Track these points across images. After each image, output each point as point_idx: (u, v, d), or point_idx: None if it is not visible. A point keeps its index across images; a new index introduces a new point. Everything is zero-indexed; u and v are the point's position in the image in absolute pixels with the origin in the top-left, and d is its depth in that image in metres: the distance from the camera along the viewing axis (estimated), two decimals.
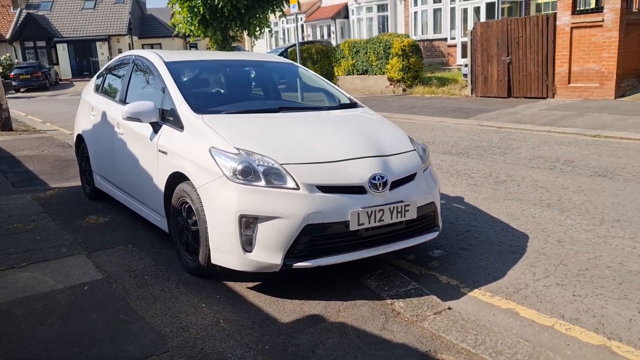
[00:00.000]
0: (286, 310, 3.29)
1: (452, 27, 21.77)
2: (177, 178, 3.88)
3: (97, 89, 5.83)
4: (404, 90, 17.51)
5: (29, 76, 31.72)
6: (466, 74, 16.89)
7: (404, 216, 3.59)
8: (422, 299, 3.41)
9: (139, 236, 4.75)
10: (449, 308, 3.31)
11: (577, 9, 12.50)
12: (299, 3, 20.44)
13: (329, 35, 28.99)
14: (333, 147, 3.65)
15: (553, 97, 13.19)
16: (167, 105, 4.18)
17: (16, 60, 36.39)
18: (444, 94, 16.18)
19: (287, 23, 31.69)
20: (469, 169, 6.88)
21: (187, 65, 4.71)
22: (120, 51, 39.79)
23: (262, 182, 3.35)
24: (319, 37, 29.49)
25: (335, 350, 2.83)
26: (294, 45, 25.43)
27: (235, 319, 3.18)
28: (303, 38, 30.41)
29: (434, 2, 22.52)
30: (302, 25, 30.72)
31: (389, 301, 3.39)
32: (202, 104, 4.11)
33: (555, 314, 3.22)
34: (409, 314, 3.25)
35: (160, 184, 4.07)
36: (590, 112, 10.92)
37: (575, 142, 8.44)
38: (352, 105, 4.69)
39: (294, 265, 3.33)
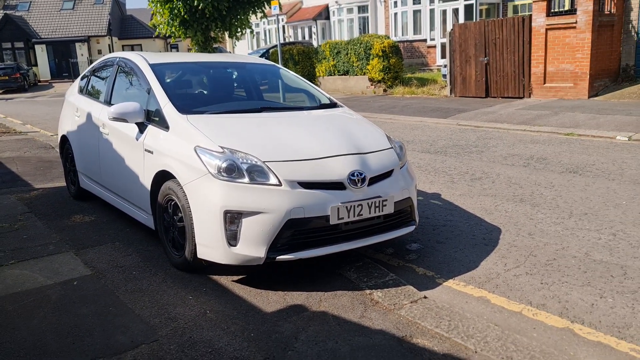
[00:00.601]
0: (270, 300, 3.45)
1: (432, 28, 22.09)
2: (163, 176, 4.01)
3: (82, 90, 5.92)
4: (384, 90, 17.75)
5: (7, 77, 31.38)
6: (445, 75, 17.20)
7: (382, 211, 3.77)
8: (400, 289, 3.58)
9: (125, 234, 4.86)
10: (425, 297, 3.49)
11: (552, 10, 12.83)
12: (280, 4, 20.61)
13: (310, 36, 29.17)
14: (314, 145, 3.82)
15: (529, 96, 13.53)
16: (153, 106, 4.30)
17: None
18: (424, 94, 16.45)
19: (268, 24, 31.80)
20: (447, 167, 7.10)
21: (171, 67, 4.84)
22: (100, 52, 39.55)
23: (246, 179, 3.50)
24: (300, 38, 29.66)
25: (317, 337, 2.99)
26: (275, 46, 25.57)
27: (221, 310, 3.32)
28: (284, 39, 30.56)
29: (414, 3, 22.82)
30: (284, 26, 30.86)
31: (367, 291, 3.57)
32: (187, 104, 4.25)
33: (524, 300, 3.42)
34: (387, 302, 3.43)
35: (147, 182, 4.19)
36: (565, 111, 11.25)
37: (549, 141, 8.72)
38: (332, 105, 4.86)
39: (277, 258, 3.48)
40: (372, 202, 3.70)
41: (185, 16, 20.01)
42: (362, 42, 17.95)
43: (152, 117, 4.27)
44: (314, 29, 28.81)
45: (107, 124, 4.88)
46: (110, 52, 39.92)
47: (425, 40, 22.45)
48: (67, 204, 6.02)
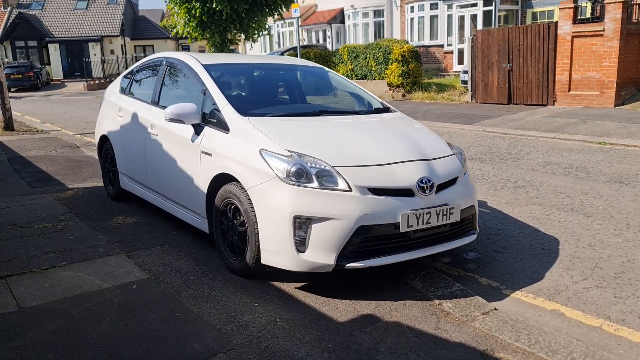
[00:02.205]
0: (339, 309, 3.36)
1: (449, 33, 22.02)
2: (221, 179, 3.93)
3: (124, 90, 5.86)
4: (403, 95, 17.68)
5: (20, 76, 31.47)
6: (465, 81, 17.12)
7: (449, 219, 3.69)
8: (468, 299, 3.49)
9: (173, 236, 4.79)
10: (495, 309, 3.40)
11: (578, 18, 12.74)
12: (289, 7, 20.60)
13: (325, 40, 29.15)
14: (380, 151, 3.74)
15: (553, 104, 13.42)
16: (209, 107, 4.23)
17: (6, 60, 36.05)
18: (444, 100, 16.36)
19: (282, 27, 31.78)
20: (485, 174, 7.00)
21: (223, 68, 4.77)
22: (112, 52, 39.63)
23: (315, 184, 3.42)
24: (314, 42, 29.62)
25: (397, 349, 2.91)
26: (290, 49, 25.57)
27: (291, 318, 3.24)
28: (299, 42, 30.52)
29: (431, 8, 22.77)
30: (298, 30, 30.82)
31: (437, 302, 3.48)
32: (245, 106, 4.17)
33: (601, 315, 3.32)
34: (459, 314, 3.34)
35: (203, 185, 4.12)
36: (592, 119, 11.14)
37: (583, 149, 8.62)
38: (386, 109, 4.78)
39: (346, 265, 3.40)
40: (439, 210, 3.62)
41: (203, 17, 20.00)
42: (381, 46, 17.89)
43: (208, 119, 4.20)
44: (328, 33, 28.78)
45: (156, 125, 4.82)
46: (122, 52, 40.03)
47: (442, 46, 22.37)
48: (106, 204, 5.95)
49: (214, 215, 4.06)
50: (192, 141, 4.24)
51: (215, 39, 21.38)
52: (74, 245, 4.59)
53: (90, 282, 3.82)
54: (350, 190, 3.41)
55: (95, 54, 38.70)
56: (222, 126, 4.02)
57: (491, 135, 10.42)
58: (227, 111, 4.04)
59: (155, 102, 5.04)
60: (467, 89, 16.73)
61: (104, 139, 6.11)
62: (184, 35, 22.08)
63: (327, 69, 5.44)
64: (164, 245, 4.58)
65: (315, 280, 3.77)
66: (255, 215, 3.59)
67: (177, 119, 4.17)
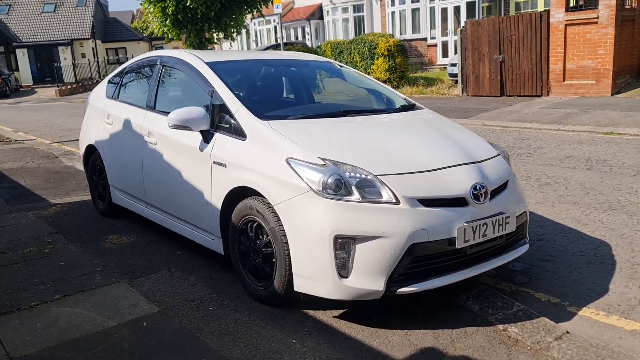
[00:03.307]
0: (392, 343, 2.87)
1: (432, 26, 21.67)
2: (239, 193, 3.41)
3: (112, 94, 5.27)
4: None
5: None
6: (453, 74, 16.77)
7: (505, 229, 3.23)
8: (534, 322, 3.04)
9: (178, 258, 4.24)
10: (567, 332, 2.95)
11: (571, 5, 12.44)
12: (271, 2, 20.03)
13: (304, 37, 28.60)
14: (424, 154, 3.26)
15: (548, 95, 13.12)
16: (218, 111, 3.70)
17: None
18: (434, 94, 15.98)
19: (259, 25, 31.13)
20: None
21: (230, 66, 4.22)
22: (84, 56, 38.45)
23: (356, 197, 2.92)
24: (293, 39, 29.04)
25: None
26: (270, 47, 24.98)
27: (340, 357, 2.73)
28: (276, 40, 29.92)
29: (412, 1, 22.38)
30: (275, 27, 30.23)
31: (500, 326, 3.01)
32: (261, 108, 3.65)
33: None
34: (529, 341, 2.88)
35: (216, 199, 3.58)
36: (592, 109, 10.84)
37: (593, 141, 8.27)
38: (411, 106, 4.30)
39: (397, 290, 2.91)
40: (495, 220, 3.15)
41: (179, 16, 19.30)
42: (366, 41, 17.43)
43: (218, 124, 3.66)
44: (307, 30, 28.24)
45: (154, 132, 4.26)
46: (94, 55, 38.89)
47: (425, 39, 22.02)
48: (96, 221, 5.36)
49: (230, 234, 3.54)
50: (201, 150, 3.69)
51: (192, 38, 20.69)
52: (66, 273, 4.02)
53: (92, 319, 3.26)
54: (397, 202, 2.92)
55: (65, 58, 37.51)
56: (237, 132, 3.49)
57: (492, 129, 10.03)
58: (242, 115, 3.51)
59: (151, 107, 4.48)
60: (455, 82, 16.38)
61: (91, 149, 5.52)
62: (159, 35, 21.35)
63: (338, 63, 4.94)
64: (170, 268, 4.03)
65: (354, 307, 3.27)
66: (285, 235, 3.07)
67: (183, 126, 3.62)
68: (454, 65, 17.15)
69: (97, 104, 5.49)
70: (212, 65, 4.02)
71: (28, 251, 4.52)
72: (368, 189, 2.95)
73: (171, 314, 3.28)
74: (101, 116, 5.26)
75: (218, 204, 3.57)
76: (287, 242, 3.07)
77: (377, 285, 2.87)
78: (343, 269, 2.90)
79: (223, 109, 3.66)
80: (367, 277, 2.88)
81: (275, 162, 3.17)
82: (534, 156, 7.33)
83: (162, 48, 47.11)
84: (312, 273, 2.98)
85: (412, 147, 3.33)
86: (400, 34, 22.92)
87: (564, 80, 12.79)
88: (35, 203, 6.21)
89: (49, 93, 31.92)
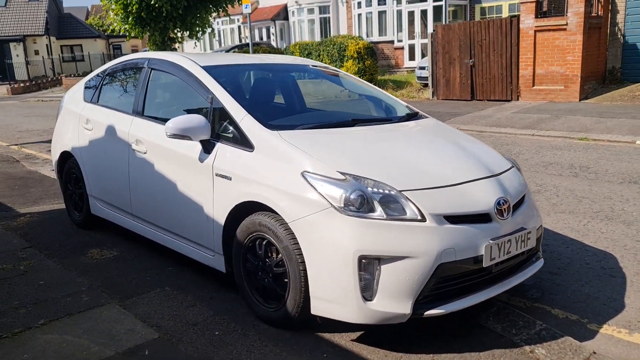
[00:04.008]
0: None
1: (399, 29, 21.73)
2: (245, 208, 3.18)
3: (91, 97, 4.92)
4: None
5: None
6: (421, 77, 16.83)
7: (526, 245, 3.12)
8: (559, 342, 2.93)
9: (170, 275, 3.97)
10: (594, 352, 2.85)
11: (540, 11, 12.64)
12: (240, 2, 19.66)
13: (269, 37, 28.28)
14: (444, 167, 3.11)
15: (517, 99, 13.30)
16: (220, 119, 3.45)
17: None
18: (404, 97, 15.97)
19: (222, 25, 30.62)
20: None
21: (228, 71, 3.97)
22: (37, 53, 36.97)
23: (380, 214, 2.75)
24: (257, 39, 28.67)
25: None
26: (235, 47, 24.58)
27: None
28: (240, 40, 29.52)
29: (379, 4, 22.38)
30: (239, 27, 29.81)
31: (527, 348, 2.89)
32: (267, 116, 3.42)
33: None
34: None
35: (219, 214, 3.34)
36: (564, 114, 11.01)
37: (570, 147, 8.36)
38: (415, 114, 4.15)
39: (425, 313, 2.75)
40: (518, 237, 3.04)
41: (142, 14, 18.71)
42: (335, 43, 17.32)
43: (220, 133, 3.42)
44: (272, 30, 27.93)
45: (143, 140, 3.97)
46: (48, 52, 37.46)
47: (392, 42, 22.06)
48: (72, 233, 5.01)
49: (234, 251, 3.30)
50: (201, 161, 3.44)
51: (156, 37, 20.11)
52: (48, 293, 3.69)
53: (85, 348, 2.97)
54: (423, 219, 2.75)
55: (18, 55, 35.97)
56: (242, 142, 3.26)
57: (468, 134, 10.02)
58: (248, 124, 3.28)
59: (139, 113, 4.18)
60: (424, 86, 16.45)
61: (66, 156, 5.15)
62: (121, 33, 20.66)
63: (335, 68, 4.75)
64: (164, 287, 3.76)
65: (372, 328, 3.08)
66: (300, 255, 2.87)
67: (182, 135, 3.36)
68: (422, 68, 17.22)
69: (73, 107, 5.13)
70: (209, 69, 3.77)
71: (1, 268, 4.16)
72: (392, 205, 2.78)
73: (174, 340, 3.02)
74: (79, 121, 4.91)
75: (221, 219, 3.33)
76: (303, 262, 2.86)
77: (404, 308, 2.70)
78: (367, 291, 2.72)
79: (225, 117, 3.42)
80: (393, 299, 2.70)
81: (289, 176, 2.96)
82: (517, 163, 7.32)
83: (120, 46, 46.00)
84: (332, 295, 2.78)
85: (431, 160, 3.18)
86: (367, 36, 22.89)
87: (533, 86, 12.97)
88: (1, 213, 5.78)
89: (1, 91, 30.53)
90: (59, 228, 5.19)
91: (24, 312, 3.42)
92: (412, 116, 4.06)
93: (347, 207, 2.74)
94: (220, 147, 3.37)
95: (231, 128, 3.36)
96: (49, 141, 11.39)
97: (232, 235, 3.30)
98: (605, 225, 4.71)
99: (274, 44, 26.90)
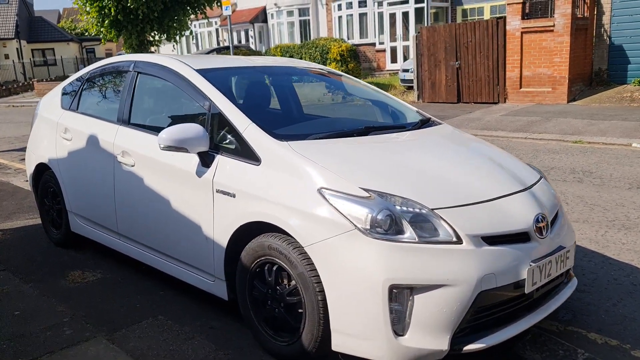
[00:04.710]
0: None
1: (381, 32, 21.50)
2: (252, 229, 2.82)
3: (69, 105, 4.50)
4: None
5: None
6: (405, 79, 16.59)
7: (565, 265, 2.83)
8: None
9: (162, 301, 3.58)
10: None
11: (526, 13, 12.50)
12: (220, 4, 19.24)
13: (247, 40, 27.82)
14: (475, 181, 2.80)
15: (504, 102, 13.14)
16: (220, 129, 3.09)
17: None
18: None
19: (200, 27, 30.08)
20: None
21: (225, 75, 3.59)
22: (7, 57, 35.90)
23: (411, 236, 2.41)
24: (236, 42, 28.18)
25: None
26: (214, 50, 24.11)
27: None
28: (218, 43, 29.02)
29: (359, 6, 22.13)
30: (217, 30, 29.32)
31: None
32: (272, 125, 3.06)
33: None
34: None
35: (220, 235, 2.97)
36: (554, 117, 10.86)
37: (566, 150, 8.16)
38: (427, 120, 3.83)
39: (464, 348, 2.42)
40: (558, 256, 2.74)
41: (119, 17, 18.16)
42: (317, 45, 17.03)
43: (220, 144, 3.05)
44: (251, 33, 27.47)
45: (130, 152, 3.58)
46: (19, 56, 36.41)
47: (373, 45, 21.81)
48: (50, 254, 4.57)
49: (239, 277, 2.94)
50: (199, 175, 3.07)
51: (133, 40, 19.57)
52: (25, 326, 3.27)
53: None
54: (459, 241, 2.43)
55: None
56: (246, 154, 2.90)
57: None
58: (253, 134, 2.91)
59: (125, 121, 3.78)
60: (408, 88, 16.22)
61: (42, 168, 4.71)
62: (96, 36, 20.07)
63: (337, 71, 4.41)
64: (156, 316, 3.36)
65: None
66: (319, 283, 2.52)
67: (178, 147, 2.98)
68: (406, 70, 17.00)
69: (49, 115, 4.70)
70: (204, 73, 3.39)
71: None
72: (424, 226, 2.45)
73: None
74: (56, 130, 4.48)
75: (223, 240, 2.96)
76: (322, 291, 2.51)
77: (440, 343, 2.37)
78: (398, 324, 2.38)
79: (225, 126, 3.05)
80: (428, 334, 2.37)
81: (303, 193, 2.61)
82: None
83: (93, 50, 45.00)
84: (358, 330, 2.44)
85: (459, 172, 2.86)
86: (348, 38, 22.64)
87: (520, 88, 12.83)
88: None
89: None
90: (34, 247, 4.75)
91: (3, 347, 3.00)
92: (424, 122, 3.74)
93: (373, 229, 2.41)
94: (220, 160, 3.00)
95: (233, 138, 2.99)
96: (22, 149, 10.88)
97: (235, 259, 2.94)
98: (624, 236, 4.46)
99: (252, 47, 26.48)
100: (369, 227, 2.41)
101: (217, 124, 3.12)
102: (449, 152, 3.20)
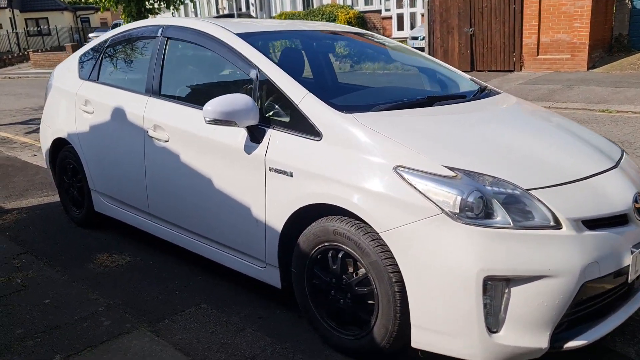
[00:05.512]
0: None
1: None
2: (309, 212, 2.54)
3: (88, 74, 4.16)
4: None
5: None
6: (414, 47, 16.14)
7: None
8: None
9: (201, 287, 3.32)
10: None
11: None
12: None
13: (248, 8, 27.08)
14: (562, 157, 2.51)
15: (520, 70, 12.76)
16: (270, 100, 2.78)
17: None
18: None
19: None
20: None
21: (268, 39, 3.26)
22: (0, 27, 35.05)
23: (504, 220, 2.13)
24: (235, 10, 27.46)
25: None
26: (215, 18, 23.45)
27: None
28: (218, 11, 28.30)
29: None
30: None
31: None
32: (330, 96, 2.75)
33: None
34: None
35: (274, 218, 2.69)
36: (576, 85, 10.51)
37: (596, 119, 7.85)
38: (484, 89, 3.51)
39: (564, 346, 2.17)
40: None
41: None
42: (324, 12, 16.51)
43: (272, 117, 2.75)
44: (251, 0, 26.75)
45: (164, 125, 3.27)
46: (12, 26, 35.57)
47: (379, 12, 21.20)
48: (72, 235, 4.30)
49: (295, 264, 2.67)
50: (247, 152, 2.77)
51: (132, 8, 19.02)
52: (59, 317, 3.01)
53: None
54: (559, 226, 2.15)
55: None
56: (304, 129, 2.59)
57: None
58: (311, 105, 2.60)
59: (155, 92, 3.46)
60: None
61: (60, 143, 4.40)
62: (92, 4, 19.45)
63: (378, 35, 4.06)
64: (199, 304, 3.10)
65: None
66: (396, 272, 2.25)
67: (225, 120, 2.67)
68: (415, 38, 16.57)
69: (65, 86, 4.36)
70: (246, 37, 3.06)
71: None
72: (518, 208, 2.16)
73: None
74: (75, 102, 4.16)
75: (277, 224, 2.67)
76: (399, 282, 2.25)
77: (540, 341, 2.12)
78: (491, 320, 2.12)
79: (276, 96, 2.74)
80: (526, 331, 2.11)
81: (376, 172, 2.32)
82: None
83: (88, 19, 44.04)
84: (445, 326, 2.17)
85: (543, 148, 2.56)
86: (353, 5, 22.03)
87: (537, 55, 12.44)
88: None
89: None
90: (54, 227, 4.47)
91: (31, 344, 2.75)
92: (486, 91, 3.42)
93: (463, 213, 2.12)
94: (272, 135, 2.70)
95: (286, 110, 2.68)
96: (25, 122, 10.51)
97: (288, 243, 2.67)
98: None
99: (253, 14, 25.80)
100: (458, 211, 2.12)
101: (265, 94, 2.80)
102: (526, 125, 2.89)
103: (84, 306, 3.12)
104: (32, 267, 3.70)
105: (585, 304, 2.24)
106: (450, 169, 2.22)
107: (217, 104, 2.67)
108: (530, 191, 2.19)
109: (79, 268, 3.66)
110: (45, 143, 4.61)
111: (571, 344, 2.17)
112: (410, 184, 2.22)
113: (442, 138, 2.47)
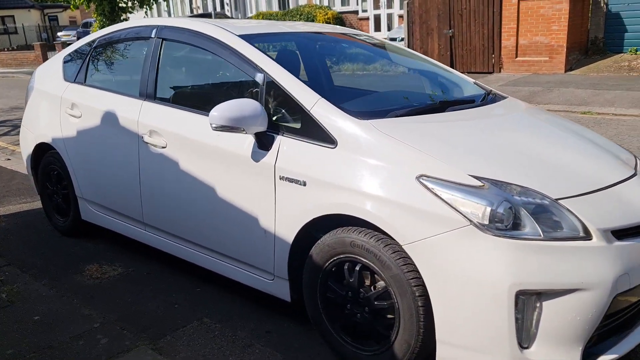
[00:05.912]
0: None
1: None
2: (322, 222, 2.42)
3: (74, 76, 3.96)
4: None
5: None
6: None
7: None
8: None
9: (202, 299, 3.17)
10: None
11: None
12: None
13: (222, 7, 26.79)
14: (587, 164, 2.45)
15: (500, 71, 12.85)
16: (279, 105, 2.65)
17: None
18: None
19: None
20: None
21: (272, 41, 3.12)
22: None
23: (534, 231, 2.05)
24: (210, 9, 27.12)
25: None
26: (191, 17, 23.09)
27: None
28: (192, 10, 27.92)
29: None
30: None
31: None
32: (339, 100, 2.63)
33: None
34: None
35: (285, 229, 2.56)
36: (555, 87, 10.61)
37: (579, 121, 7.88)
38: (489, 93, 3.44)
39: None
40: None
41: None
42: (302, 12, 16.39)
43: (281, 123, 2.62)
44: (226, 0, 26.46)
45: (160, 130, 3.11)
46: None
47: (356, 12, 21.17)
48: (57, 244, 4.10)
49: (307, 277, 2.55)
50: (255, 159, 2.63)
51: (104, 6, 18.55)
52: (51, 335, 2.83)
53: None
54: (589, 237, 2.08)
55: None
56: (316, 136, 2.47)
57: None
58: (324, 111, 2.48)
59: (150, 96, 3.29)
60: None
61: (43, 149, 4.19)
62: (60, 2, 18.94)
63: (378, 37, 3.97)
64: (201, 318, 2.96)
65: None
66: (420, 286, 2.15)
67: (233, 127, 2.54)
68: (393, 39, 16.54)
69: (49, 89, 4.15)
70: (249, 39, 2.92)
71: None
72: (547, 219, 2.09)
73: None
74: (60, 106, 3.95)
75: (288, 235, 2.55)
76: (422, 296, 2.15)
77: (572, 356, 2.04)
78: (523, 336, 2.04)
79: (286, 101, 2.62)
80: (558, 346, 2.04)
81: (397, 182, 2.22)
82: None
83: (56, 17, 42.98)
84: (474, 342, 2.08)
85: (564, 155, 2.50)
86: (330, 6, 21.96)
87: (516, 57, 12.54)
88: None
89: None
90: (36, 236, 4.26)
91: None
92: (491, 96, 3.35)
93: (492, 224, 2.04)
94: (282, 142, 2.57)
95: (297, 116, 2.56)
96: None
97: (299, 255, 2.55)
98: None
99: (228, 14, 25.53)
100: (487, 223, 2.04)
101: (272, 99, 2.68)
102: (542, 131, 2.83)
103: (78, 323, 2.94)
104: (17, 280, 3.49)
105: (614, 317, 2.18)
106: (477, 178, 2.13)
107: (224, 110, 2.53)
108: (559, 201, 2.11)
109: (68, 281, 3.47)
110: (27, 148, 4.38)
111: (603, 358, 2.10)
112: (435, 194, 2.12)
113: (463, 145, 2.38)
